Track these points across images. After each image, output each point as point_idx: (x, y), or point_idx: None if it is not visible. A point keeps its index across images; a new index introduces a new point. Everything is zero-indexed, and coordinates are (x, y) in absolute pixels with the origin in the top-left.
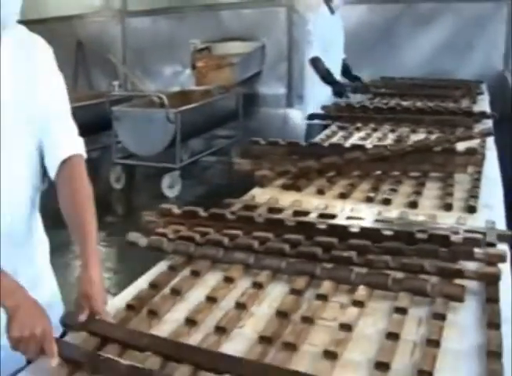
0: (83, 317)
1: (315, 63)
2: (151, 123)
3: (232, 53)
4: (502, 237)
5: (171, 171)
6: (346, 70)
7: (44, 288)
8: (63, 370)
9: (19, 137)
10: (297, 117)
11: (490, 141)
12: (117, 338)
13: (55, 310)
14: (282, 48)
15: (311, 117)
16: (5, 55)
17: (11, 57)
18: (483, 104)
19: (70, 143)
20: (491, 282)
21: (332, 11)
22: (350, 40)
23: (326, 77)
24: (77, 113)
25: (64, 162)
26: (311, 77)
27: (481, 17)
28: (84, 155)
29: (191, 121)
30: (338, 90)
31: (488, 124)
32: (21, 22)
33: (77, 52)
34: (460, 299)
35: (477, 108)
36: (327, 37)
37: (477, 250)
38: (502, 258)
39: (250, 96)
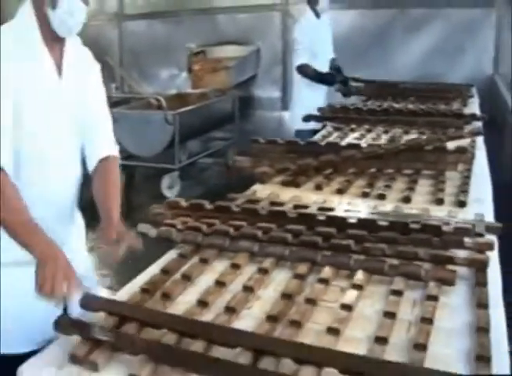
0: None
1: (303, 69)
2: (150, 125)
3: (228, 57)
4: (490, 229)
5: (170, 172)
6: (337, 71)
7: (80, 262)
8: (84, 346)
9: (73, 135)
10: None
11: (480, 141)
12: (134, 316)
13: (88, 282)
14: (276, 52)
15: (307, 118)
16: (70, 59)
17: (73, 62)
18: (473, 107)
19: (109, 145)
20: (480, 268)
21: (318, 15)
22: (343, 44)
23: (316, 76)
24: None
25: (101, 160)
26: (298, 83)
27: (470, 23)
28: (118, 156)
29: (189, 122)
30: (337, 80)
31: (478, 125)
32: None
33: None
34: (452, 283)
35: (467, 110)
36: (314, 42)
37: (466, 239)
38: (490, 246)
39: (245, 99)
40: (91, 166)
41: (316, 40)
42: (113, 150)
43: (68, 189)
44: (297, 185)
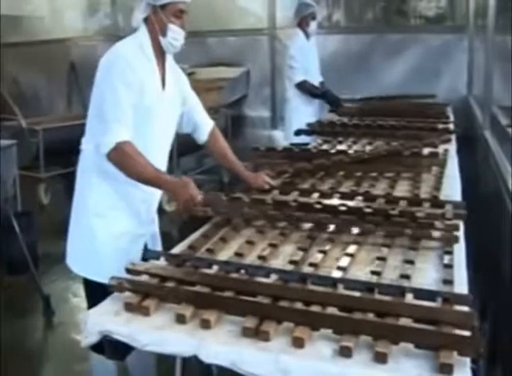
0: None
1: (302, 85)
2: None
3: (219, 78)
4: (457, 216)
5: None
6: (326, 92)
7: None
8: (135, 298)
9: (171, 122)
10: (280, 138)
11: (452, 150)
12: (171, 276)
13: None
14: (265, 74)
15: (298, 132)
16: (169, 74)
17: (172, 75)
18: (448, 123)
19: (209, 121)
20: (449, 242)
21: (308, 36)
22: (328, 66)
23: (315, 93)
24: (71, 132)
25: (211, 129)
26: (294, 100)
27: (445, 48)
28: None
29: (184, 139)
30: (332, 100)
31: (449, 136)
32: (20, 43)
33: (70, 73)
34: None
35: (442, 126)
36: (306, 62)
37: (437, 222)
38: (456, 227)
39: (237, 118)
40: (204, 135)
41: (307, 59)
42: (211, 123)
43: (162, 166)
44: (294, 185)
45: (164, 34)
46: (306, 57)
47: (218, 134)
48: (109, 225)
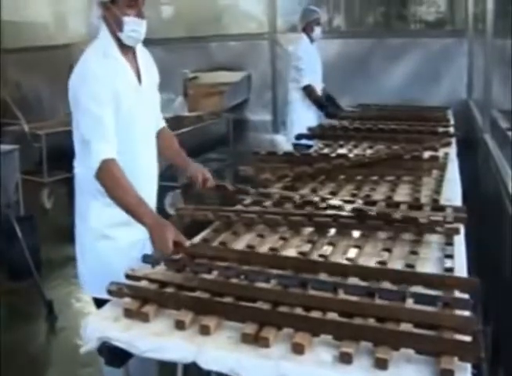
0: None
1: (309, 90)
2: None
3: (221, 82)
4: (458, 219)
5: (173, 190)
6: (328, 98)
7: None
8: (134, 304)
9: (152, 116)
10: (282, 141)
11: (453, 154)
12: (171, 282)
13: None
14: (266, 78)
15: (299, 137)
16: (143, 66)
17: (145, 67)
18: (448, 127)
19: (162, 120)
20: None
21: (312, 41)
22: (329, 70)
23: (318, 102)
24: (71, 136)
25: (161, 128)
26: (295, 103)
27: (445, 52)
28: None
29: (186, 143)
30: (331, 112)
31: (449, 139)
32: (23, 49)
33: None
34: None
35: (443, 130)
36: (311, 65)
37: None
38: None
39: (239, 122)
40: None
41: (313, 63)
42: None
43: (152, 161)
44: (295, 189)
45: (121, 29)
46: (311, 61)
47: (168, 134)
48: (115, 242)
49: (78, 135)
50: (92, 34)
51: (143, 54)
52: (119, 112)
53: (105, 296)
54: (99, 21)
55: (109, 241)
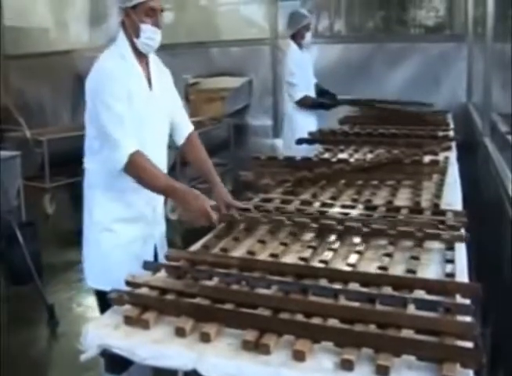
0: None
1: (304, 102)
2: None
3: (222, 87)
4: (458, 223)
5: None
6: (322, 91)
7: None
8: (134, 311)
9: (163, 121)
10: (282, 146)
11: (453, 157)
12: (172, 288)
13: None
14: (267, 83)
15: (300, 141)
16: (154, 73)
17: (157, 74)
18: (448, 131)
19: (190, 124)
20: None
21: (301, 47)
22: (329, 75)
23: (316, 105)
24: (76, 142)
25: (190, 134)
26: (292, 116)
27: (444, 56)
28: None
29: None
30: (329, 104)
31: (449, 143)
32: (25, 55)
33: (74, 84)
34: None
35: (442, 134)
36: (304, 74)
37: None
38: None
39: (240, 127)
40: (181, 139)
41: (305, 71)
42: (192, 127)
43: (161, 164)
44: (296, 194)
45: (138, 36)
46: (304, 70)
47: (196, 141)
48: (117, 236)
49: (93, 131)
50: (111, 38)
51: (156, 62)
52: (130, 112)
53: (105, 288)
54: (118, 27)
55: (112, 235)
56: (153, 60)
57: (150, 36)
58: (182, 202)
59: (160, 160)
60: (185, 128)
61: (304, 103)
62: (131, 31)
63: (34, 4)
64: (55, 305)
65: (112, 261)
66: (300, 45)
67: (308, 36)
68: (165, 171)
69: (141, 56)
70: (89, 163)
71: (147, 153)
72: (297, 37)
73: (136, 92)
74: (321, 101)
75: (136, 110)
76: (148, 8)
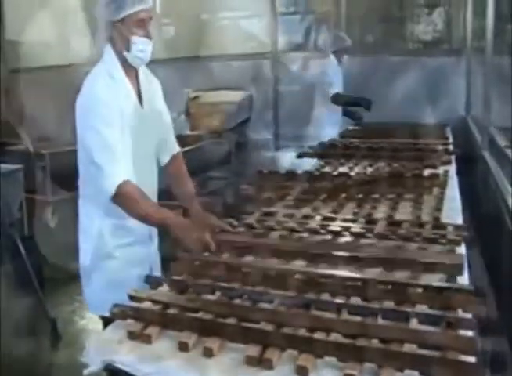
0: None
1: (338, 97)
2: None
3: (223, 101)
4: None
5: (176, 209)
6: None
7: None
8: (137, 325)
9: (153, 139)
10: (283, 159)
11: (452, 171)
12: (174, 303)
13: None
14: (268, 97)
15: (301, 155)
16: (144, 87)
17: (147, 88)
18: (447, 144)
19: (176, 144)
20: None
21: (339, 62)
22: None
23: (352, 100)
24: (75, 155)
25: (174, 155)
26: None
27: (443, 70)
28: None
29: (188, 162)
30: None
31: (449, 157)
32: (27, 69)
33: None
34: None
35: (442, 147)
36: (338, 84)
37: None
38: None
39: (241, 141)
40: (164, 160)
41: (339, 81)
42: (178, 148)
43: (152, 185)
44: (297, 208)
45: (129, 49)
46: (338, 82)
47: (181, 162)
48: (118, 263)
49: (84, 157)
50: (98, 54)
51: (145, 73)
52: (123, 133)
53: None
54: (105, 42)
55: (113, 261)
56: (142, 71)
57: (142, 48)
58: (177, 236)
59: (151, 180)
60: (172, 148)
61: (338, 100)
62: (121, 45)
63: (35, 18)
64: (58, 318)
65: (116, 286)
66: (339, 61)
67: (345, 57)
68: (155, 188)
69: (130, 70)
70: (84, 189)
71: (139, 174)
72: (338, 55)
73: (127, 113)
74: (356, 97)
75: (127, 131)
76: (137, 19)
